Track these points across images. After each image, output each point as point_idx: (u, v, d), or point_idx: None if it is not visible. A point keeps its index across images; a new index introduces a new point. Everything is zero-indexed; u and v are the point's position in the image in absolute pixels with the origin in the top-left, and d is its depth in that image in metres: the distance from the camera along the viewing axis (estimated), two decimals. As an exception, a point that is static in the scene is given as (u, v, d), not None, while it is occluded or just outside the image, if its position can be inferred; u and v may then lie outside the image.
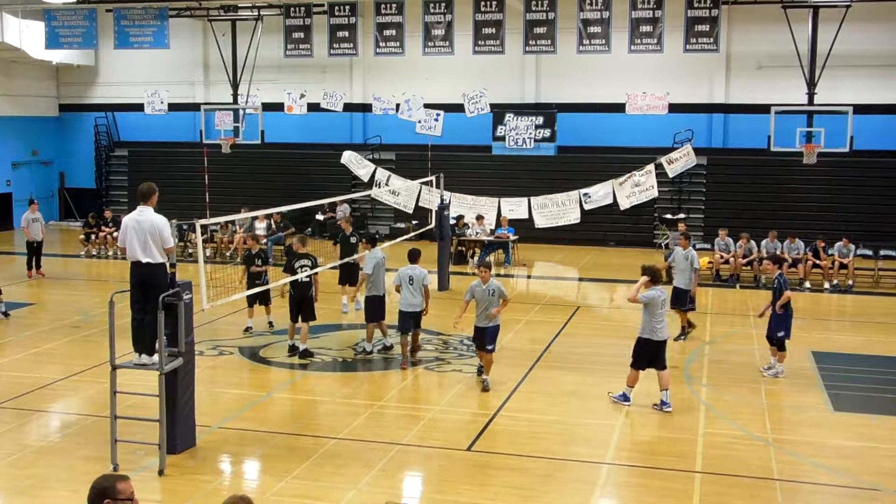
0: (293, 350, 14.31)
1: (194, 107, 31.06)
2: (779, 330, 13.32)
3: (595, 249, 26.59)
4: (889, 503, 9.14)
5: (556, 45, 24.26)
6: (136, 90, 32.39)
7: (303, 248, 14.45)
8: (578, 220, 27.49)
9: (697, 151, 27.09)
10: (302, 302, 14.17)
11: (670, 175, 27.11)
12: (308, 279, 14.16)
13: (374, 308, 14.41)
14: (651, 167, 27.07)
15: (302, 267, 14.12)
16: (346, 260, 16.91)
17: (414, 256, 14.12)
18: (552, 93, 29.02)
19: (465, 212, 25.97)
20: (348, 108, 30.91)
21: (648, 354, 11.75)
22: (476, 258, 24.27)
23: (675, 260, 16.13)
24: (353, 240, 17.49)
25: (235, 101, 29.33)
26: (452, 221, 23.35)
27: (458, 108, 29.85)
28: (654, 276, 11.72)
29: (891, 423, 11.41)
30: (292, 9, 26.38)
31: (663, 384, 11.70)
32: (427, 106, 30.14)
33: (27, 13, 28.19)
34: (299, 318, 14.22)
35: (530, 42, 24.45)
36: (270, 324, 16.15)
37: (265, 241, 22.22)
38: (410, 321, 13.87)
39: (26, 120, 32.30)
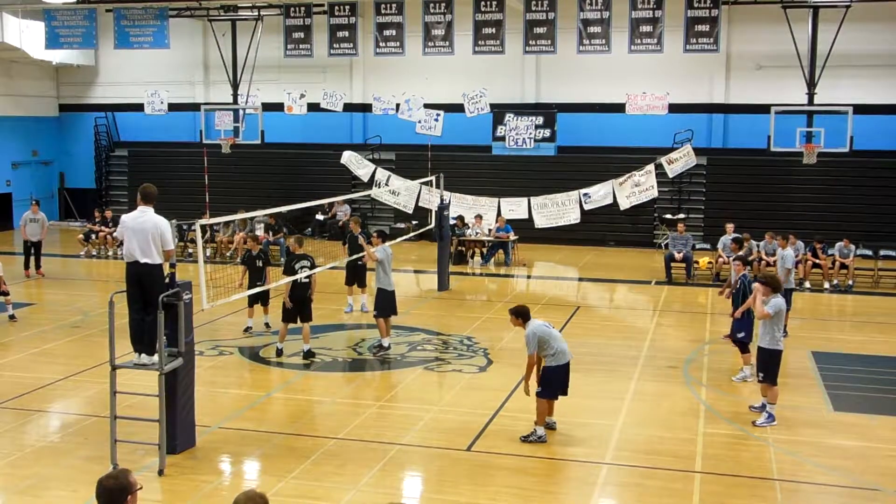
0: (280, 353, 14.28)
1: (194, 107, 31.06)
2: (739, 331, 13.19)
3: (595, 249, 26.57)
4: (889, 503, 9.15)
5: (556, 45, 24.26)
6: (136, 90, 32.41)
7: (300, 249, 14.47)
8: (578, 220, 27.47)
9: (697, 151, 27.08)
10: (301, 303, 14.17)
11: (670, 175, 27.11)
12: (307, 279, 14.18)
13: (386, 303, 14.45)
14: (651, 167, 27.06)
15: (302, 268, 14.13)
16: (352, 258, 16.88)
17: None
18: (552, 93, 29.02)
19: (464, 212, 25.95)
20: (348, 108, 30.91)
21: (778, 365, 11.29)
22: (476, 258, 24.29)
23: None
24: (360, 240, 17.44)
25: (235, 101, 29.31)
26: (452, 221, 23.35)
27: (458, 108, 29.85)
28: (774, 285, 11.29)
29: (891, 423, 11.41)
30: (292, 9, 26.38)
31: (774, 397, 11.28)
32: (427, 106, 30.14)
33: (27, 13, 28.19)
34: (298, 320, 14.21)
35: (530, 42, 24.44)
36: (267, 325, 16.12)
37: (265, 241, 22.21)
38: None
39: (26, 120, 32.29)
